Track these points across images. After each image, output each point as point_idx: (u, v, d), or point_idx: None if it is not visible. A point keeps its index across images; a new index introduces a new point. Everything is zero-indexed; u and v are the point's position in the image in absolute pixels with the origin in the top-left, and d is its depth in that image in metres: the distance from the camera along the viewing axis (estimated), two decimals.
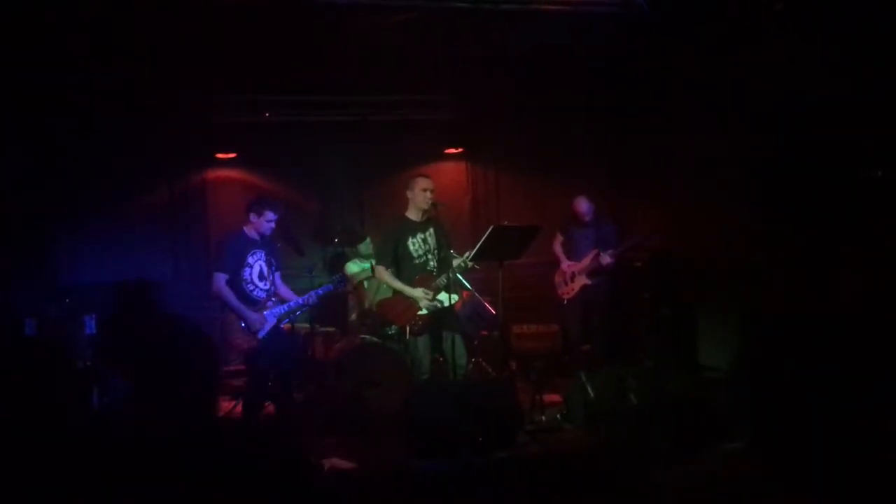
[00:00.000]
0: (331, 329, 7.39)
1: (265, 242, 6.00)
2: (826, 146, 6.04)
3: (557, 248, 7.85)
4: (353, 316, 7.33)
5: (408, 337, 5.93)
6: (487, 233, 5.72)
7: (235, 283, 5.82)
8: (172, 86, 7.83)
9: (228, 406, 6.61)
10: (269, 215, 5.92)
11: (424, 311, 5.83)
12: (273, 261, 6.03)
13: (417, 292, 5.83)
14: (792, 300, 6.30)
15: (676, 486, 4.66)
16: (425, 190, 5.91)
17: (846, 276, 5.95)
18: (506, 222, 6.05)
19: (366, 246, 7.48)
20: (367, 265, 7.31)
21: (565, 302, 7.71)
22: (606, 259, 7.43)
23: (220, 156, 8.57)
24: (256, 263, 5.90)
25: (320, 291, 6.23)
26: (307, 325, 7.06)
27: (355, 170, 8.89)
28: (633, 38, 7.26)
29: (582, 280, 7.58)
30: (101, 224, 8.16)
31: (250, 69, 7.76)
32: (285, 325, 7.09)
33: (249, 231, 5.95)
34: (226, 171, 8.68)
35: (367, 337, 6.66)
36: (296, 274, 6.83)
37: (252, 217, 5.93)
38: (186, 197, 8.48)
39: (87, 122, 7.90)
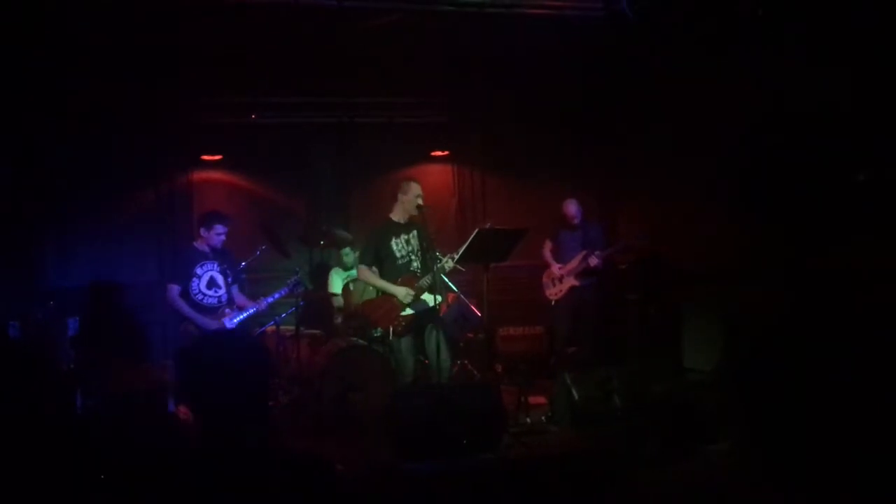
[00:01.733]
0: (316, 332, 7.38)
1: (217, 255, 6.13)
2: (809, 149, 6.08)
3: (547, 254, 7.84)
4: (339, 318, 7.32)
5: (391, 338, 5.94)
6: (473, 236, 5.73)
7: (185, 293, 6.05)
8: (158, 87, 7.81)
9: None
10: (219, 228, 6.10)
11: (409, 312, 5.84)
12: (229, 272, 6.14)
13: (400, 290, 5.84)
14: (776, 302, 6.33)
15: (661, 488, 4.67)
16: (418, 196, 5.96)
17: (830, 278, 5.98)
18: (489, 224, 6.01)
19: (348, 256, 7.48)
20: (351, 273, 7.33)
21: (553, 303, 7.71)
22: (595, 260, 7.45)
23: (205, 157, 8.55)
24: (206, 274, 6.09)
25: (276, 295, 6.43)
26: (293, 328, 7.04)
27: (342, 172, 8.87)
28: (617, 40, 7.30)
29: (570, 281, 7.59)
30: (86, 226, 8.12)
31: (236, 71, 7.74)
32: (269, 328, 7.13)
33: (200, 245, 6.18)
34: (212, 172, 8.65)
35: (353, 339, 6.66)
36: (282, 276, 6.84)
37: (202, 231, 6.13)
38: (172, 199, 8.44)
39: (72, 123, 7.85)
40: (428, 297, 5.87)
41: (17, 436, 4.93)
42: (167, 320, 7.57)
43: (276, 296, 6.40)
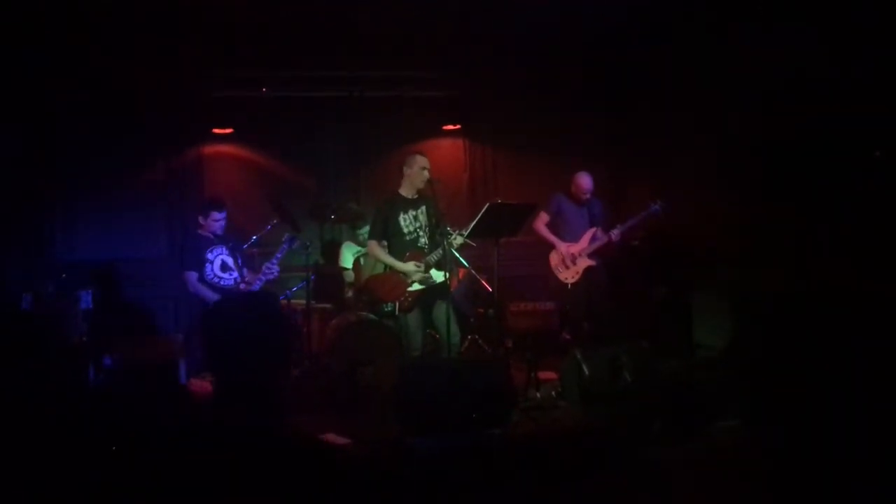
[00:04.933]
0: (327, 305, 7.39)
1: (223, 239, 6.14)
2: (825, 126, 6.02)
3: (543, 229, 7.48)
4: (350, 293, 7.32)
5: (397, 313, 5.94)
6: (483, 210, 5.71)
7: (202, 279, 5.98)
8: (169, 60, 7.79)
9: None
10: (215, 215, 6.12)
11: (417, 287, 5.83)
12: (238, 256, 6.15)
13: (409, 266, 5.83)
14: (787, 280, 6.30)
15: (670, 465, 4.67)
16: (424, 169, 5.90)
17: (843, 257, 5.95)
18: (499, 200, 5.99)
19: (362, 234, 7.46)
20: (359, 249, 7.34)
21: (569, 286, 7.44)
22: (616, 235, 7.27)
23: (216, 131, 8.53)
24: (217, 258, 6.11)
25: (278, 255, 6.38)
26: (303, 302, 7.06)
27: (352, 146, 8.84)
28: (631, 14, 7.21)
29: (585, 262, 7.36)
30: (97, 200, 8.15)
31: (247, 44, 7.71)
32: (280, 302, 7.14)
33: (203, 232, 6.12)
34: (222, 146, 8.63)
35: (363, 314, 6.67)
36: (292, 251, 6.84)
37: (200, 219, 6.11)
38: (182, 172, 8.44)
39: (83, 98, 7.87)
40: (437, 273, 5.85)
41: (30, 407, 4.97)
42: (178, 295, 7.63)
43: (278, 256, 6.37)
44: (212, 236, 6.17)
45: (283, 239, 6.46)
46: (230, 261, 6.16)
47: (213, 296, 6.00)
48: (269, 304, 6.13)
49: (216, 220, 6.15)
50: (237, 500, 4.19)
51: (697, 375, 5.73)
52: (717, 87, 7.12)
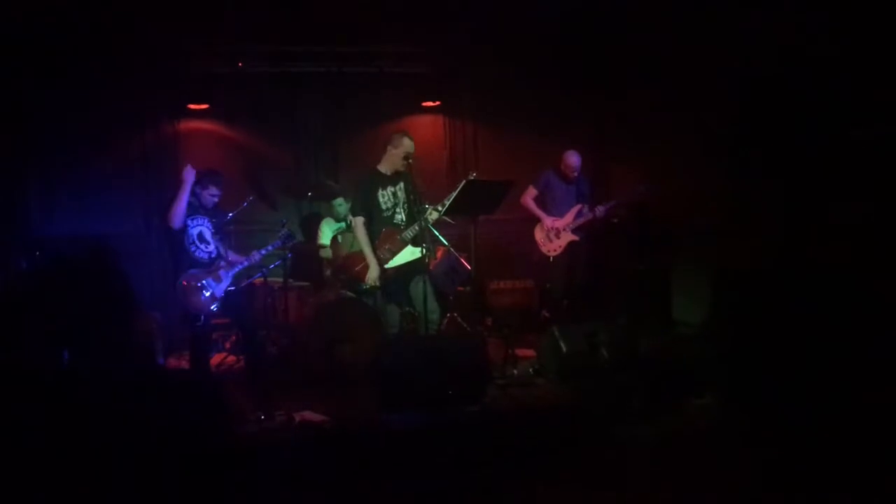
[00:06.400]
0: (305, 284, 7.35)
1: (209, 213, 5.98)
2: (804, 105, 6.02)
3: (530, 203, 7.59)
4: (329, 271, 7.29)
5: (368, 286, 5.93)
6: (460, 187, 5.68)
7: (180, 239, 5.80)
8: (144, 35, 7.66)
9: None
10: (213, 190, 5.96)
11: (393, 264, 5.80)
12: (220, 235, 6.02)
13: (373, 266, 5.81)
14: (766, 256, 6.32)
15: (647, 441, 4.69)
16: (408, 153, 5.84)
17: (820, 233, 5.97)
18: (474, 174, 5.97)
19: (341, 206, 7.42)
20: (340, 226, 7.30)
21: (551, 259, 7.52)
22: (601, 211, 7.36)
23: (192, 107, 8.42)
24: (196, 227, 5.90)
25: (266, 250, 6.28)
26: (280, 280, 7.01)
27: (330, 122, 8.74)
28: None
29: (569, 236, 7.43)
30: (72, 176, 8.03)
31: (224, 18, 7.59)
32: (258, 280, 7.09)
33: (192, 199, 5.94)
34: (199, 122, 8.52)
35: (342, 291, 6.64)
36: (268, 228, 6.79)
37: (196, 188, 5.92)
38: (159, 149, 8.32)
39: (58, 72, 7.73)
40: (413, 250, 5.81)
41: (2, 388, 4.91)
42: (154, 270, 7.57)
43: (269, 248, 6.31)
44: (199, 205, 6.03)
45: (280, 233, 6.35)
46: (209, 234, 6.03)
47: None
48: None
49: (212, 195, 5.99)
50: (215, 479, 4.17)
51: (674, 353, 5.75)
52: (700, 63, 7.09)
